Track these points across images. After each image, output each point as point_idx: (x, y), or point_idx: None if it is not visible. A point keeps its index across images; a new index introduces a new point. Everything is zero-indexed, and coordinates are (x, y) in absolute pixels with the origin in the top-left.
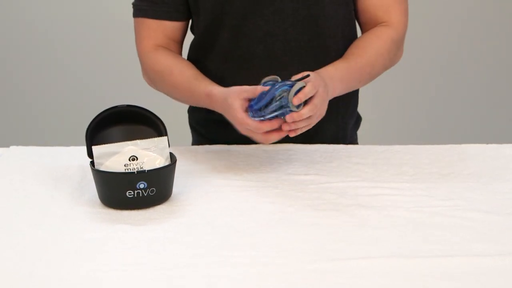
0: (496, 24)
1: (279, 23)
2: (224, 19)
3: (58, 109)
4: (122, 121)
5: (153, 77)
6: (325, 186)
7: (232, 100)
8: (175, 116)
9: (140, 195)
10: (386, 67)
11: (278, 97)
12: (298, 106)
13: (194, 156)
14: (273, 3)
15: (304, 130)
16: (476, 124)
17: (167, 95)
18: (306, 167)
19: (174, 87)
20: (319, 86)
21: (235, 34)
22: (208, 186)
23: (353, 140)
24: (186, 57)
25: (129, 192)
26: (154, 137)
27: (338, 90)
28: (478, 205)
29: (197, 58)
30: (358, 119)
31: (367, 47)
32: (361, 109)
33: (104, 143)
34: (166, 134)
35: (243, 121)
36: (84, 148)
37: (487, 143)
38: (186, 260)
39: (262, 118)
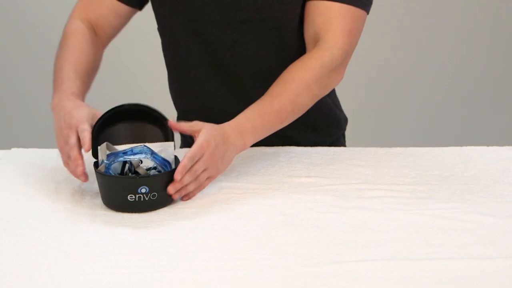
0: (497, 25)
1: (246, 32)
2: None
3: None
4: (128, 119)
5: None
6: (326, 188)
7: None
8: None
9: (142, 199)
10: (317, 96)
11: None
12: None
13: None
14: (240, 13)
15: (192, 189)
16: (477, 126)
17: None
18: (307, 170)
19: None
20: (199, 153)
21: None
22: (209, 189)
23: (338, 142)
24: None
25: (130, 196)
26: (160, 137)
27: (251, 140)
28: (479, 208)
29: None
30: (341, 122)
31: (288, 83)
32: (362, 111)
33: (109, 142)
34: (173, 139)
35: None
36: None
37: (488, 145)
38: (187, 263)
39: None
